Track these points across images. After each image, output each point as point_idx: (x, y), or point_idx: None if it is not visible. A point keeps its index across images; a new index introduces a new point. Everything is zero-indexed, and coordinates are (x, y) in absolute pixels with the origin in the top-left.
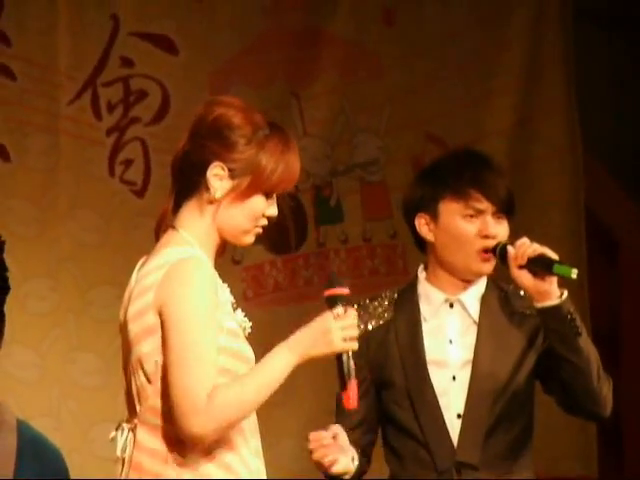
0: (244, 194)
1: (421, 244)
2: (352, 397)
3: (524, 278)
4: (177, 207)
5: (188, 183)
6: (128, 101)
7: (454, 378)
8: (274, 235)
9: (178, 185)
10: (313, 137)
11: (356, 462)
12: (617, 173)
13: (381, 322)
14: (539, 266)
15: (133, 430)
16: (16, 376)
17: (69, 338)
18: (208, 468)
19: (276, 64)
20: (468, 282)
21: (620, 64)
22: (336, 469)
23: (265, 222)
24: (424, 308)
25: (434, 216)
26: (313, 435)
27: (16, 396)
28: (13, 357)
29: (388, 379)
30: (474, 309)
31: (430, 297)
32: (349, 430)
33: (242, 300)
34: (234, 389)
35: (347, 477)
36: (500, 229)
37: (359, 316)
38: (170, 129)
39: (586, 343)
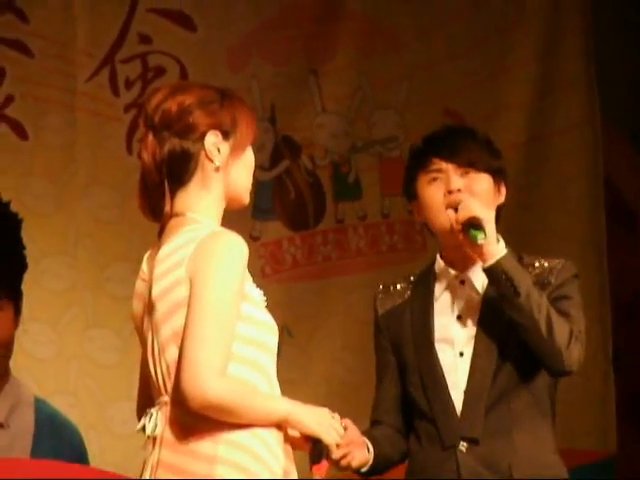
0: (239, 149)
1: None
2: (321, 471)
3: (464, 242)
4: (172, 203)
5: (179, 172)
6: (146, 78)
7: (461, 354)
8: (292, 211)
9: (170, 182)
10: (331, 113)
11: (371, 452)
12: (637, 144)
13: (400, 300)
14: (465, 229)
15: (164, 407)
16: (33, 354)
17: (86, 315)
18: (244, 438)
19: (294, 39)
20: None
21: None
22: (354, 464)
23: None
24: (438, 286)
25: (416, 199)
26: None
27: (34, 374)
28: (31, 334)
29: (404, 360)
30: (482, 285)
31: (443, 275)
32: (385, 413)
33: (260, 276)
34: (245, 388)
35: (364, 469)
36: (462, 182)
37: (380, 301)
38: None
39: (528, 300)
